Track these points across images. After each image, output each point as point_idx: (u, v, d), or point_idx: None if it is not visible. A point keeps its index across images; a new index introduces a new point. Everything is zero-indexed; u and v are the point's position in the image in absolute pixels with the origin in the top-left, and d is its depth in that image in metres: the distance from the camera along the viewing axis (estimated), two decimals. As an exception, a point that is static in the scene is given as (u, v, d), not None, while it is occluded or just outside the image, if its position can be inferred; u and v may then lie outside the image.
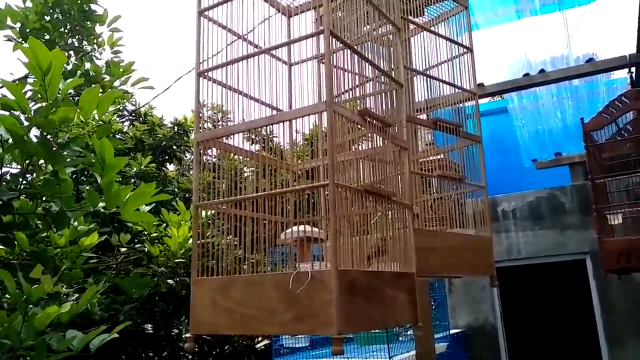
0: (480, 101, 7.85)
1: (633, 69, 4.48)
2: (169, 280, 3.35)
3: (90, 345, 1.92)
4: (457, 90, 2.49)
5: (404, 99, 1.96)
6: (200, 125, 1.69)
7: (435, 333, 4.18)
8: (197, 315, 1.57)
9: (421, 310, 3.10)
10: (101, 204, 2.19)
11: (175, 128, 5.37)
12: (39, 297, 1.79)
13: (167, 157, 5.37)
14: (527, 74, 4.73)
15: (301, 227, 1.72)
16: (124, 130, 5.72)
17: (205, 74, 1.74)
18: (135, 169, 4.84)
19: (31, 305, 1.78)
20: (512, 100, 6.13)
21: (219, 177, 1.69)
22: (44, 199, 2.16)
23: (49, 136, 2.02)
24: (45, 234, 2.52)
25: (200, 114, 1.70)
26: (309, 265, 1.50)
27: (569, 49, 5.42)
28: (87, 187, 2.27)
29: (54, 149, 1.95)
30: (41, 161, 2.07)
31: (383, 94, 1.95)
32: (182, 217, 3.20)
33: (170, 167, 6.46)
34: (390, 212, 1.73)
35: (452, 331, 6.03)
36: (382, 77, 1.91)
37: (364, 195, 1.57)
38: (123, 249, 3.52)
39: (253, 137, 2.18)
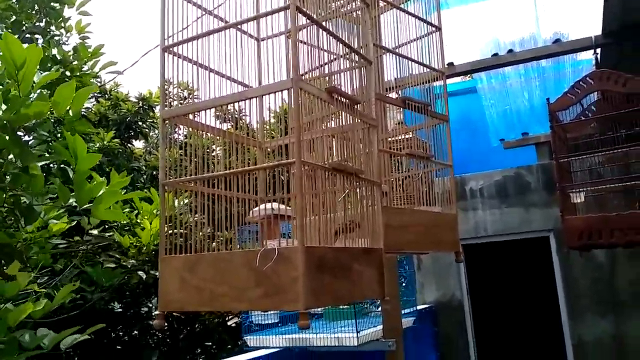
0: (451, 81, 7.94)
1: (598, 51, 4.57)
2: (140, 272, 3.32)
3: (61, 345, 1.92)
4: (425, 69, 2.50)
5: (373, 77, 1.96)
6: (166, 101, 1.66)
7: (404, 308, 4.27)
8: (166, 292, 1.56)
9: (389, 286, 3.16)
10: (72, 200, 2.17)
11: (140, 103, 5.28)
12: (14, 294, 1.78)
13: (132, 133, 5.29)
14: (495, 54, 4.78)
15: (270, 205, 1.72)
16: (88, 106, 5.60)
17: (171, 49, 1.71)
18: (98, 144, 4.76)
19: (4, 303, 1.77)
20: (481, 80, 6.22)
21: (187, 154, 1.68)
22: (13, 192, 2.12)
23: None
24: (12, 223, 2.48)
25: (166, 91, 1.68)
26: (277, 242, 1.51)
27: (538, 30, 5.49)
28: (58, 180, 2.23)
29: (21, 136, 1.92)
30: (11, 155, 2.03)
31: (352, 71, 1.95)
32: (154, 206, 3.15)
33: (139, 144, 6.36)
34: (358, 190, 1.75)
35: (420, 307, 6.17)
36: (351, 54, 1.91)
37: (331, 172, 1.58)
38: (94, 232, 3.47)
39: (223, 114, 2.15)
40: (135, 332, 6.01)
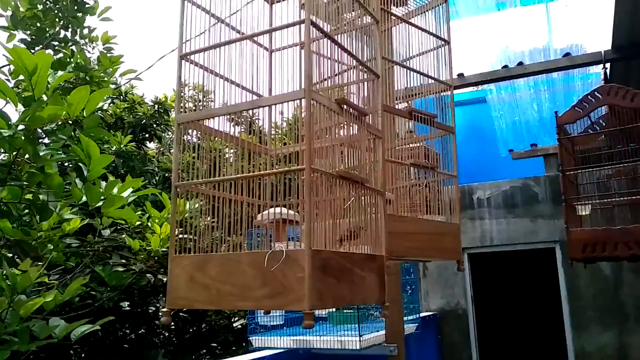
0: (462, 90, 7.98)
1: (608, 65, 4.61)
2: (148, 275, 3.40)
3: (72, 335, 1.99)
4: (432, 81, 2.56)
5: (380, 90, 2.03)
6: (181, 106, 1.74)
7: (408, 315, 4.32)
8: (174, 290, 1.63)
9: (393, 292, 3.22)
10: (85, 198, 2.25)
11: (156, 106, 5.39)
12: (25, 286, 1.85)
13: (147, 135, 5.39)
14: (505, 66, 4.83)
15: (277, 210, 1.79)
16: (104, 107, 5.72)
17: (188, 56, 1.79)
18: (114, 147, 4.86)
19: (17, 294, 1.85)
20: (490, 91, 6.26)
21: (199, 158, 1.75)
22: (31, 189, 2.22)
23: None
24: (28, 220, 2.57)
25: (182, 96, 1.75)
26: (284, 245, 1.58)
27: (550, 42, 5.52)
28: (75, 178, 2.33)
29: (39, 139, 2.02)
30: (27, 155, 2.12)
31: (361, 83, 2.02)
32: (165, 212, 3.22)
33: (151, 146, 6.47)
34: (363, 198, 1.81)
35: (424, 314, 6.21)
36: (360, 67, 1.98)
37: (338, 180, 1.64)
38: (105, 232, 3.57)
39: (236, 119, 2.23)
40: (142, 330, 6.10)
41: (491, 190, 6.53)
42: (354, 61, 1.96)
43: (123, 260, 3.61)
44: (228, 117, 1.87)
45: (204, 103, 2.19)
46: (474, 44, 5.39)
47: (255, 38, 2.05)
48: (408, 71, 2.53)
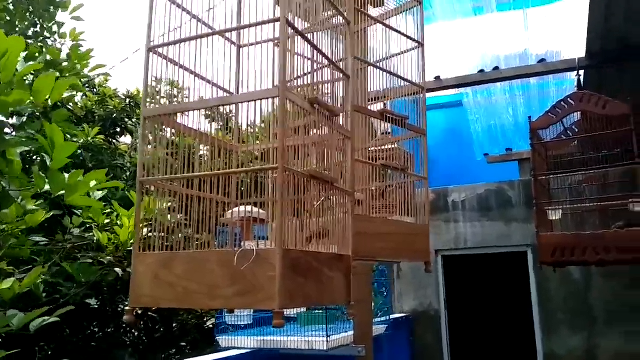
0: (440, 93, 8.03)
1: (582, 72, 4.69)
2: (117, 269, 3.36)
3: (30, 326, 1.95)
4: (406, 83, 2.57)
5: (351, 90, 2.02)
6: (149, 100, 1.71)
7: (382, 316, 4.32)
8: (138, 288, 1.61)
9: (363, 293, 3.22)
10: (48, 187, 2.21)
11: (127, 100, 5.31)
12: None
13: (118, 130, 5.31)
14: (481, 70, 4.88)
15: (245, 208, 1.77)
16: (75, 100, 5.62)
17: (157, 50, 1.76)
18: (82, 140, 4.77)
19: None
20: (467, 94, 6.32)
21: (170, 154, 1.72)
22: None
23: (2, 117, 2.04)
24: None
25: (149, 89, 1.72)
26: (254, 243, 1.56)
27: (526, 50, 5.59)
28: (37, 168, 2.28)
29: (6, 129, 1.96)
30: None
31: (333, 83, 2.02)
32: (133, 209, 3.19)
33: (127, 140, 6.37)
34: (332, 197, 1.80)
35: (396, 315, 6.24)
36: (331, 67, 1.97)
37: (309, 179, 1.63)
38: (75, 232, 3.51)
39: (212, 116, 2.20)
40: (111, 329, 6.01)
41: (466, 193, 6.59)
42: (325, 62, 1.95)
43: (91, 254, 3.56)
44: (204, 113, 1.85)
45: (175, 100, 2.15)
46: (451, 48, 5.44)
47: (226, 33, 2.03)
48: (382, 72, 2.53)
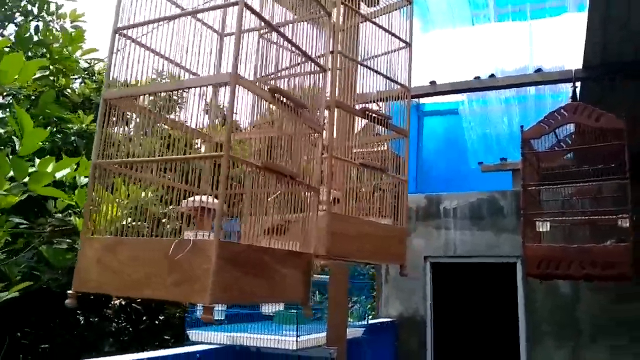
0: (438, 100, 7.96)
1: (578, 84, 4.63)
2: None
3: None
4: (391, 83, 2.52)
5: (328, 84, 1.97)
6: (110, 82, 1.67)
7: (360, 319, 4.26)
8: (83, 272, 1.56)
9: (338, 295, 3.16)
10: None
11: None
12: None
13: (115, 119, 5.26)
14: (477, 77, 4.83)
15: (204, 198, 1.72)
16: (73, 86, 5.58)
17: (123, 31, 1.72)
18: (76, 126, 4.74)
19: None
20: (462, 102, 6.26)
21: (129, 139, 1.68)
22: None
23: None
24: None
25: (112, 71, 1.68)
26: (202, 233, 1.51)
27: (530, 61, 5.54)
28: (3, 153, 2.25)
29: None
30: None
31: (307, 76, 1.96)
32: (116, 195, 3.15)
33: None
34: (293, 193, 1.75)
35: (381, 320, 6.18)
36: (307, 60, 1.92)
37: (262, 171, 1.58)
38: (58, 215, 3.49)
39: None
40: (95, 318, 5.98)
41: (458, 200, 6.53)
42: (300, 55, 1.90)
43: (69, 240, 3.52)
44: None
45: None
46: (448, 55, 5.38)
47: (205, 20, 1.98)
48: (369, 71, 2.48)
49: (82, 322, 6.05)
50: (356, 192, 2.49)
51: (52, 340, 5.41)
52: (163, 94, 1.65)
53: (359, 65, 2.48)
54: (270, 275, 1.59)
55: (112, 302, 6.07)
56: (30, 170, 2.29)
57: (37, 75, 3.30)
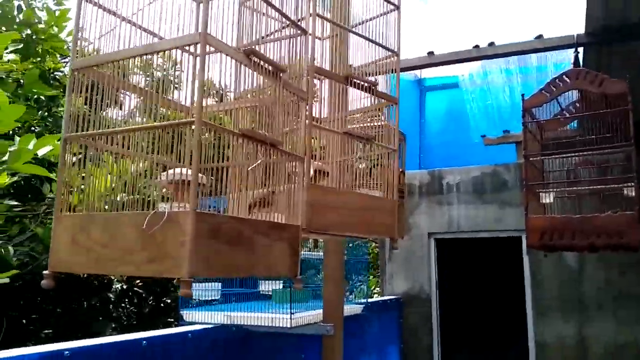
0: (439, 74, 7.81)
1: (580, 50, 4.49)
2: None
3: None
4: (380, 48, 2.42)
5: (309, 48, 1.88)
6: (77, 52, 1.58)
7: (360, 297, 4.21)
8: (57, 252, 1.49)
9: (334, 270, 3.10)
10: None
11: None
12: None
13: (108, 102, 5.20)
14: (476, 46, 4.69)
15: (181, 170, 1.64)
16: (65, 70, 5.49)
17: (90, -1, 1.62)
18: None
19: None
20: (464, 76, 6.11)
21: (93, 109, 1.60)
22: None
23: None
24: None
25: (79, 40, 1.59)
26: (177, 205, 1.44)
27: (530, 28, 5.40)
28: None
29: None
30: None
31: (289, 40, 1.87)
32: (109, 169, 3.11)
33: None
34: (276, 162, 1.67)
35: (385, 297, 6.13)
36: (288, 22, 1.83)
37: (240, 139, 1.50)
38: (52, 196, 3.45)
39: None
40: (97, 302, 5.97)
41: (461, 175, 6.43)
42: (280, 17, 1.80)
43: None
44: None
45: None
46: (446, 26, 5.24)
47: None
48: (358, 37, 2.38)
49: (85, 306, 6.04)
50: (347, 165, 2.41)
51: (55, 325, 5.41)
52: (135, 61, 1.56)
53: (345, 31, 2.38)
54: (254, 247, 1.51)
55: (113, 286, 6.06)
56: (11, 149, 2.23)
57: (10, 50, 3.21)
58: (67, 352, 1.92)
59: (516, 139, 6.17)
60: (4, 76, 4.26)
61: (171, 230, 1.30)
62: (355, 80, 2.18)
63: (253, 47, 1.70)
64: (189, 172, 1.70)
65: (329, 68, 2.51)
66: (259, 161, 1.55)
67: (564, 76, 4.08)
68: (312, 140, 2.51)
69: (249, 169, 1.53)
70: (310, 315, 2.95)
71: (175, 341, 2.51)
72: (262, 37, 1.78)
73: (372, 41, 2.36)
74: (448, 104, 7.68)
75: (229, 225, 1.41)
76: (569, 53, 5.07)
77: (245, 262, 1.48)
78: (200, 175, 1.72)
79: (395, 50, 2.43)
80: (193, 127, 1.32)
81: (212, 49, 1.45)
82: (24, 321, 5.71)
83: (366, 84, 2.24)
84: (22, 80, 4.21)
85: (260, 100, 1.68)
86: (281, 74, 1.66)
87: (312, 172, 2.08)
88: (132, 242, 1.36)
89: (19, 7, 3.85)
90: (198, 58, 1.36)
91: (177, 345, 2.50)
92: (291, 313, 2.75)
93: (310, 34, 2.10)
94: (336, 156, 2.35)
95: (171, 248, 1.30)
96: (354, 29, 2.42)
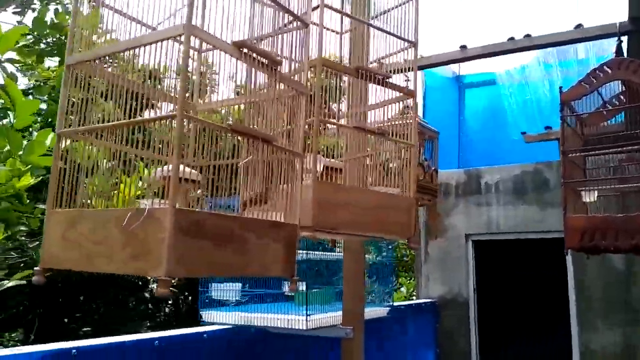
0: (477, 70, 7.56)
1: (624, 39, 4.22)
2: None
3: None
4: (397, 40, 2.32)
5: (309, 42, 1.81)
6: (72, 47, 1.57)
7: (383, 300, 4.06)
8: (48, 248, 1.49)
9: (354, 272, 3.01)
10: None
11: (147, 77, 5.27)
12: None
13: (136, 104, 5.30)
14: (512, 38, 4.49)
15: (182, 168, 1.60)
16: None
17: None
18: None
19: None
20: (502, 72, 5.86)
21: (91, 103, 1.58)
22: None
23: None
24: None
25: (75, 35, 1.58)
26: (159, 202, 1.40)
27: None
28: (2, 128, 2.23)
29: None
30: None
31: (291, 33, 1.81)
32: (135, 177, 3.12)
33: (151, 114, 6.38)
34: (272, 159, 1.61)
35: (422, 300, 5.98)
36: (288, 15, 1.77)
37: (230, 134, 1.45)
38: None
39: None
40: (133, 301, 6.10)
41: (500, 174, 6.20)
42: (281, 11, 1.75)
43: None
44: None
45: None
46: (480, 19, 5.05)
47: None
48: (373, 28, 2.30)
49: (124, 306, 6.18)
50: (363, 162, 2.32)
51: (93, 324, 5.56)
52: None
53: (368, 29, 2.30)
54: (246, 246, 1.46)
55: (149, 286, 6.17)
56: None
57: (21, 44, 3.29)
58: (74, 350, 1.93)
59: (558, 136, 5.88)
60: (41, 83, 4.40)
61: (151, 226, 1.26)
62: (366, 72, 2.10)
63: (253, 41, 1.65)
64: (187, 169, 1.67)
65: (349, 62, 2.45)
66: (248, 157, 1.49)
67: (604, 66, 3.83)
68: (328, 138, 2.44)
69: (239, 164, 1.48)
70: (328, 317, 2.88)
71: (189, 341, 2.49)
72: (270, 31, 1.73)
73: (388, 33, 2.27)
74: (487, 101, 7.43)
75: (214, 222, 1.36)
76: (613, 44, 4.80)
77: (236, 261, 1.43)
78: (194, 172, 1.68)
79: (413, 40, 2.33)
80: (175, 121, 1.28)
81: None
82: (66, 320, 5.88)
83: (379, 77, 2.15)
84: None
85: (257, 95, 1.62)
86: (277, 68, 1.60)
87: (320, 168, 2.02)
88: (117, 239, 1.33)
89: (56, 10, 3.93)
90: (195, 52, 1.32)
91: (192, 345, 2.48)
92: (307, 315, 2.68)
93: (317, 25, 2.03)
94: (354, 153, 2.28)
95: (153, 245, 1.26)
96: (372, 21, 2.35)
